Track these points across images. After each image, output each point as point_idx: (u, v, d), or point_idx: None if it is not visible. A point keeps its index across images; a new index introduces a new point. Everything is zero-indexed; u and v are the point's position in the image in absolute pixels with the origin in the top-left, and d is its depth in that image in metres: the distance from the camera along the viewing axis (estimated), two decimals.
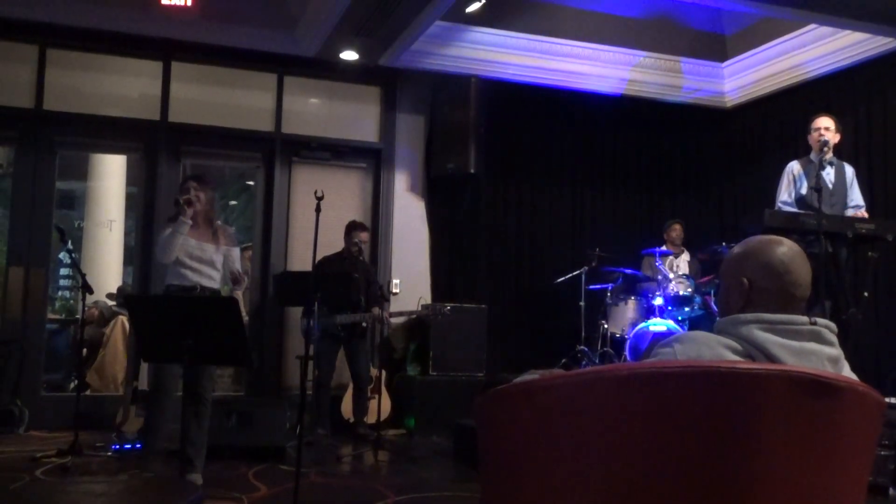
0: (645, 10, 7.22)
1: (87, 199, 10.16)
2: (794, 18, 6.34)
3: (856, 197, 5.29)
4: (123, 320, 6.90)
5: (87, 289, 5.26)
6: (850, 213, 5.19)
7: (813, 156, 5.17)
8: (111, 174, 10.01)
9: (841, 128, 5.30)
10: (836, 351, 1.73)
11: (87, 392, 6.60)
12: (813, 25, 6.58)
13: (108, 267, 9.90)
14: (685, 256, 7.21)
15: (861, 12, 5.68)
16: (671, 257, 6.99)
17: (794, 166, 5.28)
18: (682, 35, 7.57)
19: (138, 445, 4.98)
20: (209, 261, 4.41)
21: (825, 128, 5.17)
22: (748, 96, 7.63)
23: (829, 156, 5.19)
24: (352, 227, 6.21)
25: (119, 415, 5.48)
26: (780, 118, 7.36)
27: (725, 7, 6.59)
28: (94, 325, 7.14)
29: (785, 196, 5.23)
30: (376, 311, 6.04)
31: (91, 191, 9.94)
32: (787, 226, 4.63)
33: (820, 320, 1.71)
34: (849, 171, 5.32)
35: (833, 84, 6.79)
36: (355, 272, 6.01)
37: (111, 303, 7.57)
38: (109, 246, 10.07)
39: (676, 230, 7.28)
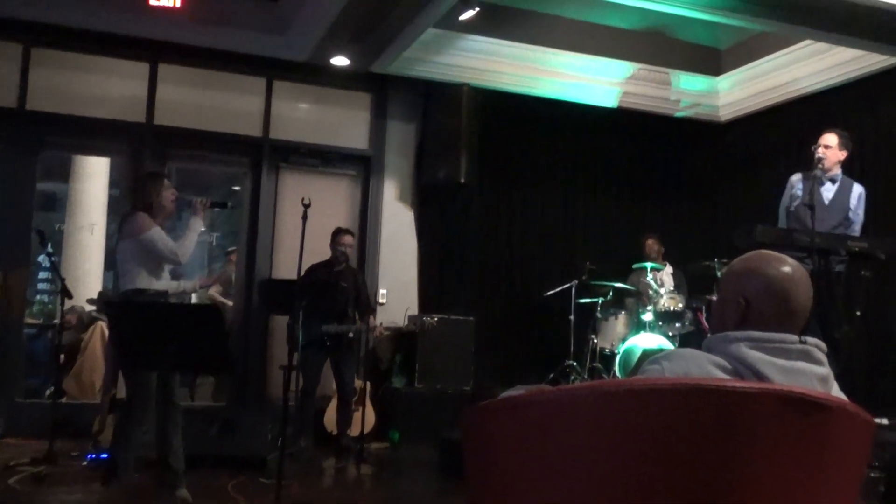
0: (639, 23, 7.18)
1: (68, 202, 10.01)
2: (789, 34, 6.32)
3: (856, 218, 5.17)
4: (102, 326, 6.76)
5: (66, 293, 5.14)
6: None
7: (817, 171, 5.08)
8: (94, 176, 9.89)
9: (850, 145, 5.22)
10: (826, 370, 1.73)
11: (64, 399, 6.45)
12: (807, 41, 6.58)
13: (88, 271, 9.76)
14: (668, 269, 7.14)
15: (855, 30, 5.69)
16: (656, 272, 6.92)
17: (793, 178, 5.23)
18: (676, 48, 7.55)
19: None
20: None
21: (824, 145, 5.10)
22: (742, 111, 7.62)
23: (833, 172, 5.13)
24: (336, 233, 6.14)
25: (96, 423, 5.34)
26: (773, 133, 7.35)
27: (720, 21, 6.55)
28: (73, 330, 7.00)
29: (781, 206, 5.21)
30: (371, 321, 5.95)
31: (73, 193, 9.80)
32: (779, 242, 4.57)
33: (810, 339, 1.70)
34: (856, 189, 5.19)
35: (826, 100, 6.79)
36: (343, 281, 5.91)
37: (90, 308, 7.43)
38: (90, 250, 9.93)
39: (649, 244, 7.20)
